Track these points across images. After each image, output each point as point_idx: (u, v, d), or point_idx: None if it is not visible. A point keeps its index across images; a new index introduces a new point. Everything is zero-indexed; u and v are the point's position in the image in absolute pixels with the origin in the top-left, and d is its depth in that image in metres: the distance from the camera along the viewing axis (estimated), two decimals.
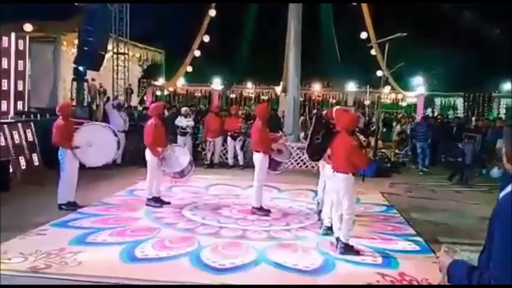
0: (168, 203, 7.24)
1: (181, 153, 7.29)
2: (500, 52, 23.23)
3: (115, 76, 14.28)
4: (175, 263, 4.79)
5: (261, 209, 6.86)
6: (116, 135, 7.12)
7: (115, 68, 14.27)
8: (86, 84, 13.64)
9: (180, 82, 26.38)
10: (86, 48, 11.29)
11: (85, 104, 13.71)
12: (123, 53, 14.30)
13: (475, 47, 23.30)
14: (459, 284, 1.71)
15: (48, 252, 4.89)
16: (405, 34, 12.33)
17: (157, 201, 7.13)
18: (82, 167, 7.08)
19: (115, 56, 14.19)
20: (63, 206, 6.74)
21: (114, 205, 7.18)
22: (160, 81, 24.26)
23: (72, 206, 6.79)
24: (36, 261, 4.64)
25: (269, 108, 7.77)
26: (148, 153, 7.03)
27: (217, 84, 26.31)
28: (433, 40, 22.81)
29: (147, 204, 7.08)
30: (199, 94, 28.39)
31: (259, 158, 6.81)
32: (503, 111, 25.07)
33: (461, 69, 23.45)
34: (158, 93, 25.74)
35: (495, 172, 12.00)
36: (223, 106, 20.50)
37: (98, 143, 6.88)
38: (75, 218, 6.33)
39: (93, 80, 16.24)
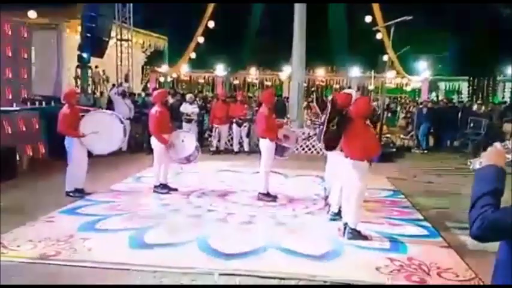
0: (176, 189, 7.26)
1: (187, 139, 7.28)
2: (505, 36, 22.98)
3: (119, 63, 14.21)
4: (184, 249, 4.81)
5: (267, 195, 6.88)
6: (122, 122, 7.13)
7: (118, 54, 14.18)
8: (89, 71, 13.64)
9: (184, 69, 26.32)
10: (89, 35, 11.24)
11: (89, 91, 13.72)
12: (127, 40, 14.21)
13: (480, 31, 23.03)
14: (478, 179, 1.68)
15: (57, 239, 4.92)
16: (410, 18, 12.19)
17: (164, 187, 7.15)
18: (89, 154, 7.09)
19: (118, 42, 14.10)
20: (70, 193, 6.77)
21: (121, 192, 7.21)
22: (164, 67, 24.20)
23: (80, 193, 6.81)
24: (46, 248, 4.66)
25: (275, 94, 7.72)
26: (154, 140, 7.03)
27: (220, 70, 26.23)
28: (438, 24, 22.58)
29: (154, 191, 7.10)
30: (203, 80, 28.32)
31: (265, 145, 6.80)
32: (508, 94, 24.91)
33: (466, 54, 23.29)
34: (161, 79, 25.71)
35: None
36: (227, 92, 20.46)
37: (104, 130, 6.87)
38: (83, 205, 6.36)
39: (96, 67, 16.21)
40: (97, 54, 12.23)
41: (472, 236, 1.56)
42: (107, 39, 11.94)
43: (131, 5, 14.13)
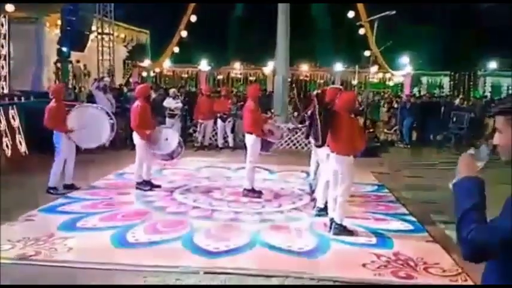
0: (159, 186, 7.13)
1: (170, 135, 7.16)
2: (486, 31, 23.29)
3: (100, 57, 13.92)
4: (168, 247, 4.71)
5: (252, 190, 6.80)
6: (110, 116, 7.02)
7: (99, 49, 13.90)
8: (70, 65, 13.34)
9: (167, 63, 25.98)
10: (69, 29, 10.95)
11: (70, 86, 13.42)
12: (108, 34, 13.93)
13: (461, 25, 23.30)
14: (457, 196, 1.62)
15: (37, 239, 4.77)
16: (393, 12, 12.24)
17: (147, 184, 7.01)
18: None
19: (99, 36, 13.81)
20: (51, 190, 6.62)
21: (103, 189, 7.05)
22: (146, 62, 23.85)
23: (69, 189, 6.77)
24: (25, 248, 4.52)
25: (260, 89, 7.65)
26: (136, 136, 6.89)
27: (204, 65, 25.98)
28: (420, 19, 22.74)
29: (137, 188, 6.97)
30: (186, 75, 28.00)
31: (251, 140, 6.71)
32: (488, 89, 25.25)
33: (448, 48, 23.50)
34: (144, 74, 25.35)
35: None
36: (211, 88, 20.30)
37: (91, 124, 6.80)
38: (64, 203, 6.20)
39: (77, 61, 15.84)
40: (77, 48, 11.94)
41: (464, 259, 1.50)
42: (88, 32, 11.66)
43: None
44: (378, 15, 12.71)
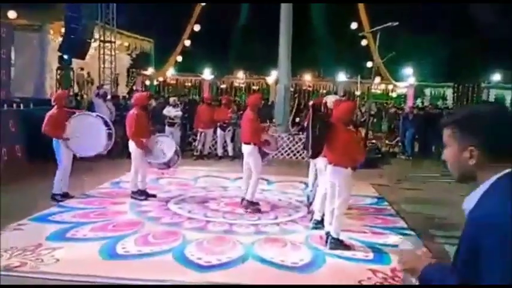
0: (154, 195, 7.01)
1: (166, 144, 7.06)
2: (490, 42, 23.18)
3: (101, 65, 13.91)
4: (158, 260, 4.58)
5: (253, 203, 6.59)
6: (107, 125, 6.93)
7: (101, 56, 13.89)
8: (71, 73, 13.33)
9: (170, 72, 26.03)
10: (70, 36, 10.94)
11: (71, 93, 13.40)
12: (110, 41, 13.92)
13: (465, 37, 23.21)
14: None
15: (24, 249, 4.65)
16: (396, 23, 12.17)
17: (142, 194, 6.90)
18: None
19: (101, 44, 13.80)
20: (56, 197, 6.56)
21: (98, 198, 6.94)
22: (150, 70, 23.88)
23: (66, 197, 6.67)
24: (11, 259, 4.40)
25: (261, 99, 7.54)
26: (132, 144, 6.80)
27: (207, 74, 26.00)
28: (422, 30, 22.67)
29: (132, 197, 6.86)
30: (190, 84, 28.03)
31: (249, 150, 6.53)
32: (492, 101, 25.08)
33: (451, 60, 23.40)
34: (147, 83, 25.38)
35: None
36: (213, 96, 20.26)
37: (89, 132, 6.73)
38: (56, 212, 6.09)
39: (81, 69, 15.86)
40: (78, 56, 11.91)
41: None
42: (89, 40, 11.63)
43: (115, 5, 13.83)
44: (380, 26, 12.64)
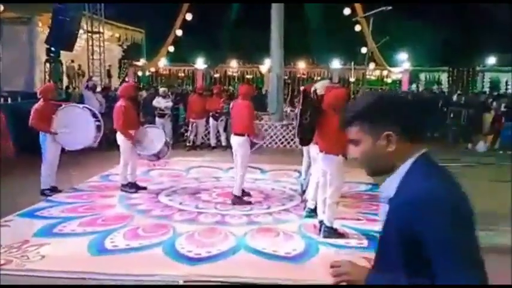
0: (144, 188, 6.89)
1: (155, 135, 6.91)
2: (484, 26, 23.02)
3: (90, 56, 13.67)
4: (148, 254, 4.48)
5: (242, 198, 6.41)
6: (96, 116, 6.77)
7: (90, 48, 13.63)
8: (59, 65, 13.09)
9: (162, 62, 25.75)
10: (57, 28, 10.69)
11: (60, 86, 13.19)
12: (98, 32, 13.65)
13: (459, 21, 23.03)
14: None
15: (10, 246, 4.53)
16: (390, 8, 11.99)
17: (132, 186, 6.76)
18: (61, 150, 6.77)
19: (89, 35, 13.54)
20: (46, 192, 6.43)
21: (87, 192, 6.80)
22: (142, 61, 23.62)
23: (54, 191, 6.54)
24: None
25: (254, 89, 7.33)
26: (120, 136, 6.64)
27: (200, 63, 25.74)
28: (417, 15, 22.48)
29: (122, 190, 6.73)
30: (183, 74, 27.77)
31: (241, 141, 6.26)
32: (487, 85, 25.01)
33: (446, 44, 23.25)
34: (140, 74, 25.13)
35: (481, 146, 11.88)
36: (207, 86, 20.08)
37: (77, 125, 6.58)
38: (44, 207, 5.96)
39: (72, 61, 15.61)
40: (66, 48, 11.67)
41: None
42: (76, 31, 11.39)
43: None
44: (373, 11, 12.46)
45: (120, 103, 6.67)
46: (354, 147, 1.45)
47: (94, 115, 6.75)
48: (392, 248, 1.33)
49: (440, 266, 1.19)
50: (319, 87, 5.21)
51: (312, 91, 5.20)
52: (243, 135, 6.17)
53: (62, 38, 10.80)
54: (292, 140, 11.79)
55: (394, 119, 1.37)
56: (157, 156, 6.93)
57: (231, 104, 6.82)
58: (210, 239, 4.88)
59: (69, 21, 10.86)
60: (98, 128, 6.72)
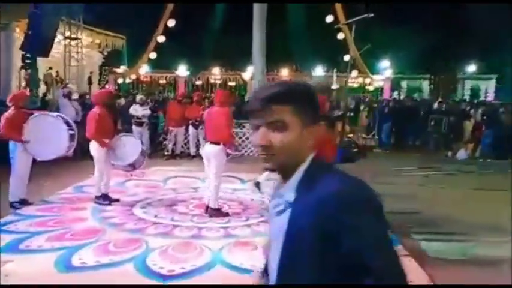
0: (117, 200, 6.61)
1: (131, 144, 6.67)
2: (465, 34, 23.35)
3: (67, 63, 13.36)
4: (118, 271, 4.26)
5: (219, 210, 6.20)
6: (69, 125, 6.51)
7: (67, 54, 13.33)
8: (36, 72, 12.78)
9: (144, 69, 25.48)
10: (32, 33, 10.40)
11: (36, 94, 12.86)
12: (76, 38, 13.36)
13: (440, 29, 23.33)
14: None
15: None
16: (372, 15, 12.00)
17: (106, 198, 6.52)
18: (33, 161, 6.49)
19: (67, 41, 13.23)
20: (15, 204, 6.15)
21: (58, 204, 6.52)
22: (123, 68, 23.32)
23: (24, 204, 6.26)
24: None
25: (232, 95, 7.19)
26: (93, 146, 6.38)
27: (182, 70, 25.53)
28: (399, 22, 22.70)
29: (95, 202, 6.47)
30: (164, 81, 27.50)
31: (217, 151, 6.04)
32: (468, 92, 25.35)
33: (427, 52, 23.52)
34: (120, 81, 24.78)
35: (462, 154, 11.92)
36: (189, 93, 19.85)
37: (49, 134, 6.31)
38: (11, 221, 5.67)
39: (50, 68, 15.26)
40: (41, 54, 11.36)
41: None
42: (52, 37, 11.09)
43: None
44: (355, 18, 12.46)
45: (95, 110, 6.43)
46: (272, 132, 1.23)
47: (67, 123, 6.51)
48: (304, 256, 1.18)
49: (369, 262, 1.12)
50: None
51: None
52: (218, 143, 6.00)
53: (37, 44, 10.50)
54: None
55: (316, 110, 1.28)
56: (133, 166, 6.70)
57: (206, 111, 6.64)
58: (184, 254, 4.68)
59: (45, 27, 10.57)
60: (72, 137, 6.47)
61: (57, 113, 6.99)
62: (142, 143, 7.82)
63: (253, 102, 1.26)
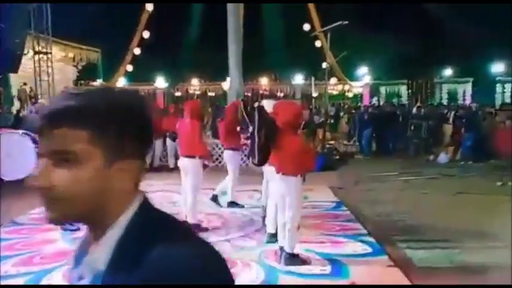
0: None
1: None
2: (441, 38, 23.70)
3: (37, 78, 13.00)
4: None
5: (198, 226, 5.92)
6: (36, 142, 6.18)
7: (37, 69, 12.98)
8: (6, 88, 12.40)
9: (121, 82, 25.14)
10: None
11: (8, 110, 12.46)
12: (45, 52, 13.02)
13: (416, 34, 23.64)
14: None
15: None
16: (346, 22, 12.03)
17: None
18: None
19: (36, 56, 12.90)
20: None
21: (27, 225, 6.19)
22: (99, 81, 22.93)
23: None
24: None
25: (200, 105, 6.97)
26: None
27: (161, 82, 25.27)
28: (375, 29, 22.94)
29: (61, 228, 6.00)
30: (143, 94, 27.13)
31: (193, 164, 5.84)
32: (445, 96, 25.68)
33: (403, 57, 23.80)
34: None
35: (442, 157, 11.92)
36: (165, 105, 19.57)
37: (13, 153, 5.99)
38: None
39: (24, 84, 14.84)
40: (10, 70, 11.01)
41: None
42: (19, 52, 10.76)
43: (48, 13, 12.93)
44: (330, 26, 12.48)
45: None
46: (56, 167, 0.80)
47: (34, 141, 6.21)
48: None
49: None
50: (267, 104, 4.93)
51: (257, 107, 4.93)
52: (193, 157, 5.79)
53: (4, 59, 10.16)
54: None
55: (139, 138, 0.85)
56: None
57: (178, 123, 6.43)
58: None
59: (12, 42, 10.25)
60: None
61: (23, 131, 6.67)
62: None
63: (38, 120, 0.82)
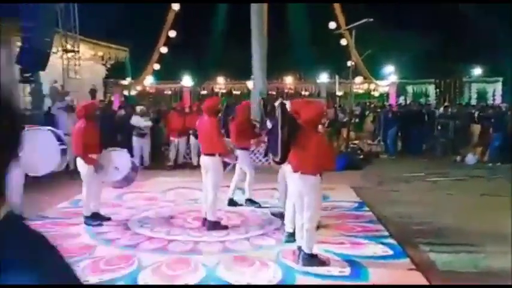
0: (109, 218, 6.23)
1: (119, 158, 6.34)
2: (470, 37, 23.07)
3: (65, 75, 13.26)
4: None
5: (218, 223, 5.95)
6: (60, 140, 6.29)
7: (64, 67, 13.24)
8: (36, 86, 12.67)
9: (149, 80, 25.45)
10: (27, 47, 10.30)
11: (42, 108, 12.75)
12: (73, 51, 13.26)
13: (444, 32, 23.08)
14: None
15: None
16: (371, 20, 11.84)
17: (96, 217, 6.12)
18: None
19: (64, 54, 13.14)
20: None
21: (51, 219, 6.33)
22: (127, 80, 23.27)
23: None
24: None
25: (220, 102, 6.95)
26: (80, 163, 6.05)
27: (187, 81, 25.47)
28: (401, 26, 22.49)
29: (85, 223, 6.04)
30: (170, 92, 27.43)
31: (213, 162, 5.86)
32: (474, 96, 24.98)
33: (432, 55, 23.24)
34: (126, 93, 24.74)
35: (470, 159, 11.59)
36: (191, 103, 19.68)
37: (39, 149, 6.08)
38: None
39: (55, 82, 15.18)
40: (38, 68, 11.23)
41: None
42: (48, 50, 10.98)
43: (76, 12, 13.16)
44: (355, 24, 12.31)
45: (79, 124, 6.11)
46: None
47: (59, 138, 6.30)
48: None
49: None
50: (287, 102, 4.88)
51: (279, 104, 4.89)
52: (213, 154, 5.79)
53: (32, 57, 10.37)
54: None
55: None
56: (125, 181, 6.41)
57: (197, 121, 6.43)
58: (177, 272, 4.45)
59: (40, 40, 10.46)
60: (63, 151, 6.26)
61: (49, 128, 6.79)
62: (133, 156, 7.56)
63: None
